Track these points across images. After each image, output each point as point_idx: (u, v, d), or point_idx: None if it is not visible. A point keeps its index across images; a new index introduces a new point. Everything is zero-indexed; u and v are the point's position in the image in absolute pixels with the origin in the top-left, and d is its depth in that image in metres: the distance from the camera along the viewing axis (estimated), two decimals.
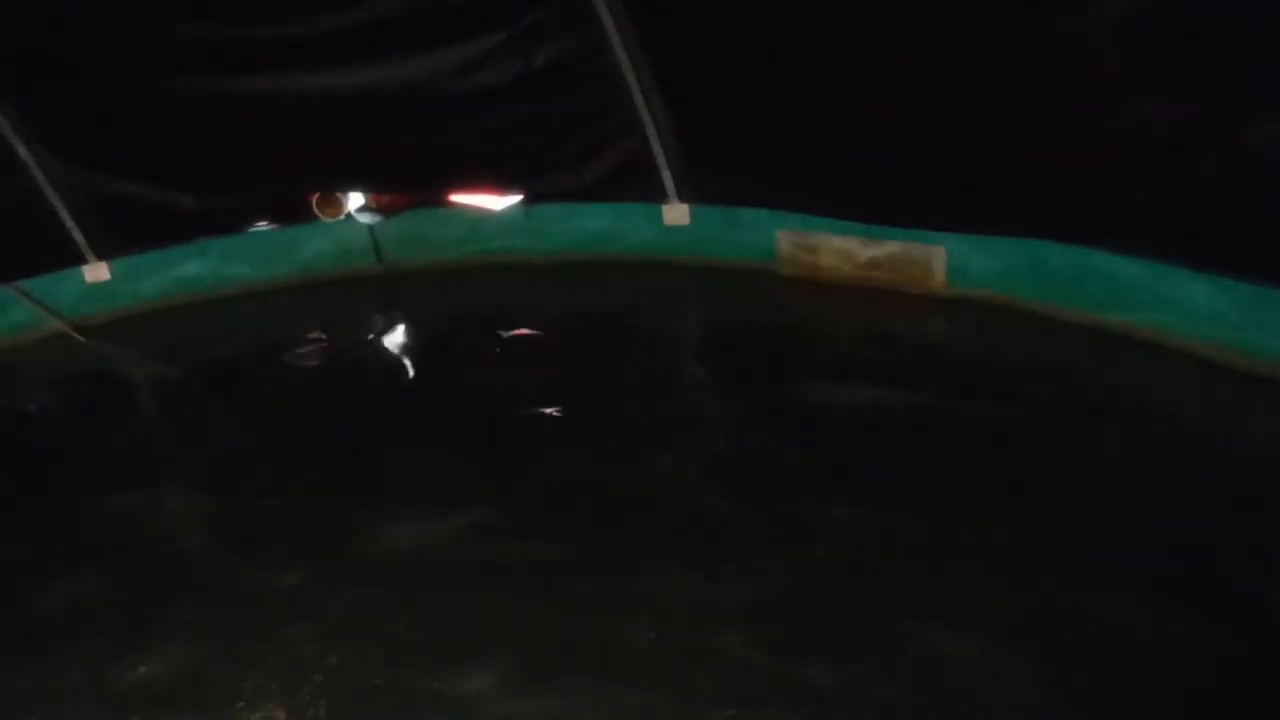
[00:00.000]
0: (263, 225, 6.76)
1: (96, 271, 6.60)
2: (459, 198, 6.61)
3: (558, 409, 5.21)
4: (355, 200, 6.65)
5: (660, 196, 6.18)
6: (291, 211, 6.68)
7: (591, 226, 6.45)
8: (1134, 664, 3.31)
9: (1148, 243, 4.74)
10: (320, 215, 6.63)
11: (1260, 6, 3.83)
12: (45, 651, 4.00)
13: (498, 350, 5.90)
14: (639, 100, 5.79)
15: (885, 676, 3.38)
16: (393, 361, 6.12)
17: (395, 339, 6.39)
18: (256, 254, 6.80)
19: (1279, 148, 4.05)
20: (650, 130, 5.90)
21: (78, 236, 6.44)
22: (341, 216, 6.65)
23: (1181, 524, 3.87)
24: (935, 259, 5.51)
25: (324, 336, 6.46)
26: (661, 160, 6.01)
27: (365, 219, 6.68)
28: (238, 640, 3.90)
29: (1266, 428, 4.42)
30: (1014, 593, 3.64)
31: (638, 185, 6.17)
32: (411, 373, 5.93)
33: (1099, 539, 3.85)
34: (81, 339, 6.52)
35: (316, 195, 6.58)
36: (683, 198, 6.15)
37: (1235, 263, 4.52)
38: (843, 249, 5.79)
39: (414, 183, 6.62)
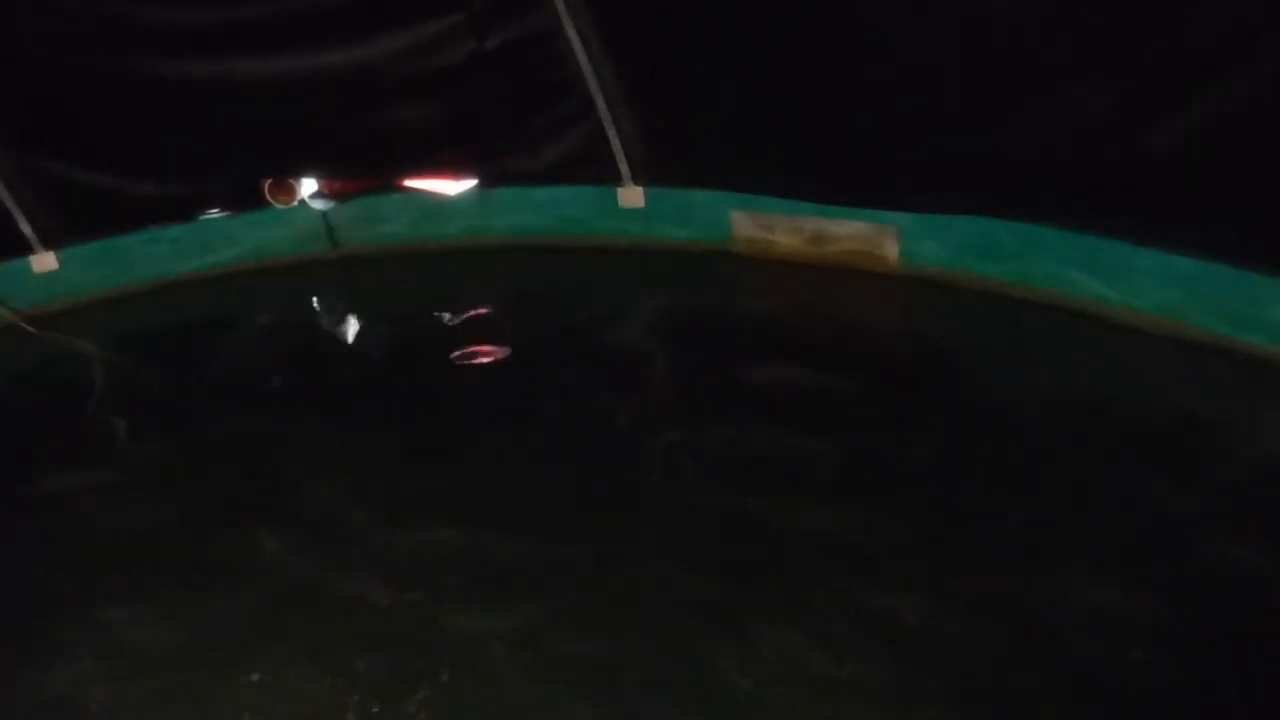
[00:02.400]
0: (215, 212, 6.70)
1: (44, 261, 6.50)
2: (413, 182, 6.59)
3: (512, 395, 5.19)
4: (308, 186, 6.61)
5: (615, 179, 6.20)
6: (244, 198, 6.62)
7: (546, 210, 6.45)
8: (1094, 633, 3.38)
9: (1094, 219, 4.84)
10: (273, 201, 6.58)
11: None
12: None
13: (452, 335, 5.88)
14: (592, 83, 5.80)
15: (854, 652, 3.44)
16: (348, 348, 6.08)
17: (351, 325, 6.36)
18: (209, 241, 6.73)
19: (1222, 124, 4.15)
20: (604, 113, 5.91)
21: (24, 226, 6.33)
22: (294, 203, 6.61)
23: (1138, 500, 3.91)
24: (888, 238, 5.58)
25: (279, 323, 6.42)
26: (616, 143, 6.03)
27: (319, 205, 6.64)
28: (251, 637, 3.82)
29: (1214, 401, 4.51)
30: (982, 566, 3.69)
31: (593, 168, 6.18)
32: (368, 359, 5.91)
33: (1054, 514, 3.89)
34: (31, 330, 6.41)
35: (269, 181, 6.54)
36: (638, 180, 6.17)
37: (1180, 237, 4.63)
38: (798, 229, 5.84)
39: (368, 167, 6.58)
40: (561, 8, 5.53)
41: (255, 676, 3.61)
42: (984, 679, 3.27)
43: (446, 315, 6.10)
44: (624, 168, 6.13)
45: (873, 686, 3.29)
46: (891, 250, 5.59)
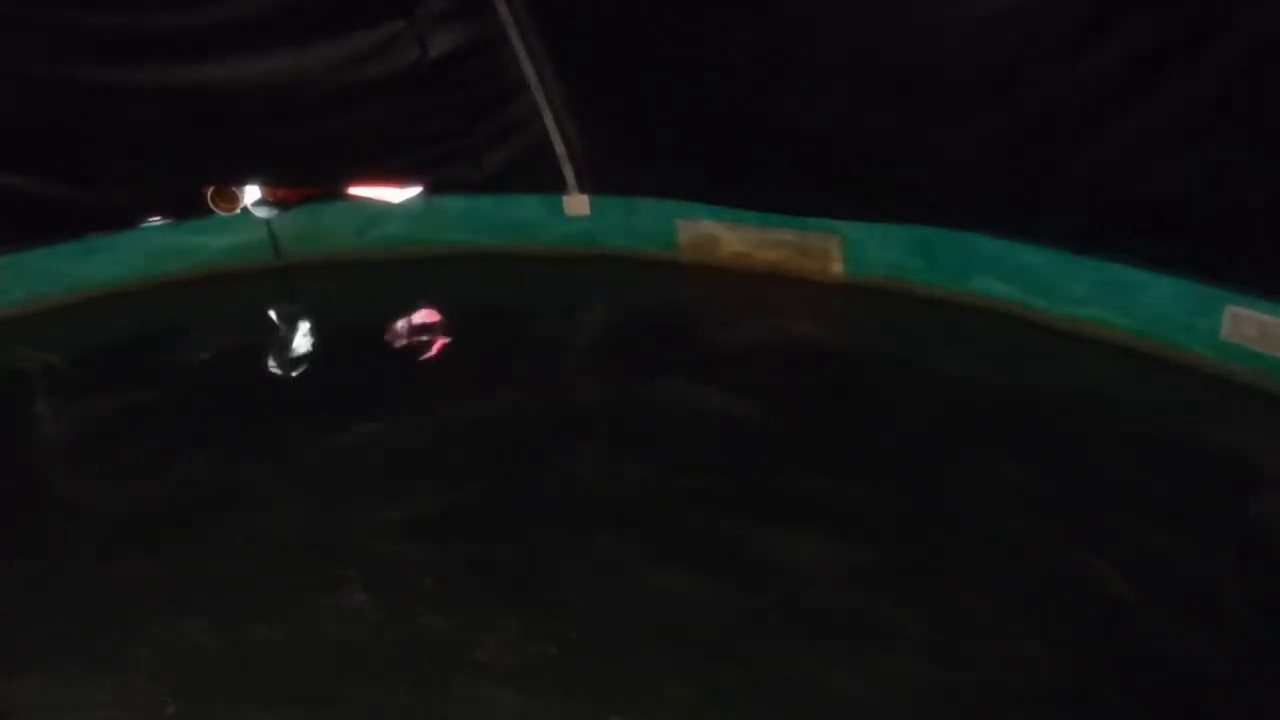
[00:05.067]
0: (156, 220, 6.61)
1: None
2: (357, 190, 6.55)
3: (453, 405, 5.15)
4: (251, 194, 6.54)
5: (561, 187, 6.19)
6: (186, 206, 6.54)
7: (492, 217, 6.44)
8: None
9: (1031, 228, 4.90)
10: (216, 209, 6.51)
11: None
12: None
13: (395, 345, 5.84)
14: (537, 91, 5.79)
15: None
16: (292, 357, 6.02)
17: (294, 334, 6.29)
18: (150, 250, 6.63)
19: (1150, 136, 4.22)
20: (549, 121, 5.91)
21: None
22: (237, 210, 6.54)
23: (1071, 503, 3.99)
24: (832, 246, 5.61)
25: (223, 333, 6.33)
26: (561, 151, 6.03)
27: (262, 213, 6.57)
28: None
29: (1141, 400, 4.64)
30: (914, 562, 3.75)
31: (538, 176, 6.17)
32: (310, 368, 5.85)
33: (984, 517, 3.95)
34: None
35: (211, 189, 6.47)
36: (583, 188, 6.18)
37: (1115, 246, 4.69)
38: (742, 237, 5.87)
39: (312, 175, 6.53)
40: (506, 16, 5.52)
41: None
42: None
43: (392, 323, 6.06)
44: (569, 176, 6.13)
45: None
46: (835, 258, 5.62)
